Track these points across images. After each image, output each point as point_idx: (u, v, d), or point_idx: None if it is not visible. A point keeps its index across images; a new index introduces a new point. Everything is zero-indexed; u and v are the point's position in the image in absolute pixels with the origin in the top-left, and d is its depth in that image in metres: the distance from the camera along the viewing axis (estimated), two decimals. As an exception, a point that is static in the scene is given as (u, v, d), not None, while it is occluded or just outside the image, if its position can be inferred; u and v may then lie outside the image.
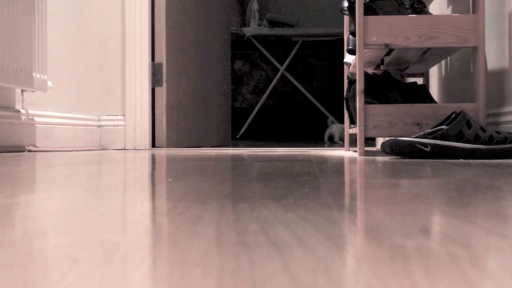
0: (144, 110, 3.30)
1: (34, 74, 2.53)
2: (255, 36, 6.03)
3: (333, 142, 5.15)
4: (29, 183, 1.02)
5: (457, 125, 1.79)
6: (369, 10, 2.11)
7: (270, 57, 6.16)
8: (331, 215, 0.58)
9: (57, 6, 2.89)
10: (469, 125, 1.81)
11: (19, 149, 2.51)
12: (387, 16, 2.07)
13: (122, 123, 3.29)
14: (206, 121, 4.10)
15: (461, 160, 1.67)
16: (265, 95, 6.16)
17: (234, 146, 4.29)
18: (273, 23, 6.05)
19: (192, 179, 1.09)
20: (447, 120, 1.86)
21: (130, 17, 3.29)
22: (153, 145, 3.44)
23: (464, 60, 2.50)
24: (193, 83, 3.90)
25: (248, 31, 6.01)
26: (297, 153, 2.40)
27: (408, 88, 2.34)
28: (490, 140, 1.79)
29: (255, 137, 4.72)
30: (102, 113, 3.30)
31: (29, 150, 2.55)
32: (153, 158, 2.07)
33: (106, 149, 3.21)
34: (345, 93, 2.57)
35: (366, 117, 2.03)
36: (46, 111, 2.79)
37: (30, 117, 2.64)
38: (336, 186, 0.93)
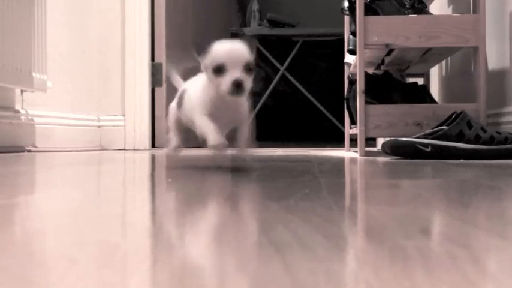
0: (144, 111, 3.30)
1: (34, 74, 2.53)
2: (255, 36, 6.03)
3: None
4: (29, 184, 1.02)
5: (457, 125, 1.79)
6: (369, 10, 2.10)
7: (270, 57, 6.16)
8: (331, 216, 0.58)
9: (56, 6, 2.89)
10: (469, 125, 1.81)
11: (19, 150, 2.51)
12: (388, 16, 2.06)
13: (122, 123, 3.28)
14: (206, 121, 4.09)
15: (462, 160, 1.67)
16: (265, 95, 6.16)
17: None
18: (273, 23, 6.05)
19: (191, 179, 1.08)
20: (448, 121, 1.85)
21: (130, 17, 3.29)
22: (153, 145, 3.44)
23: (465, 60, 2.49)
24: (194, 83, 3.89)
25: (248, 31, 6.00)
26: (297, 153, 2.39)
27: (409, 88, 2.33)
28: (491, 140, 1.78)
29: (254, 137, 4.74)
30: (102, 113, 3.30)
31: (29, 151, 2.55)
32: (153, 159, 2.07)
33: (106, 149, 3.21)
34: (345, 93, 2.57)
35: (366, 117, 2.03)
36: (46, 111, 2.79)
37: (29, 117, 2.64)
38: (336, 186, 0.92)
